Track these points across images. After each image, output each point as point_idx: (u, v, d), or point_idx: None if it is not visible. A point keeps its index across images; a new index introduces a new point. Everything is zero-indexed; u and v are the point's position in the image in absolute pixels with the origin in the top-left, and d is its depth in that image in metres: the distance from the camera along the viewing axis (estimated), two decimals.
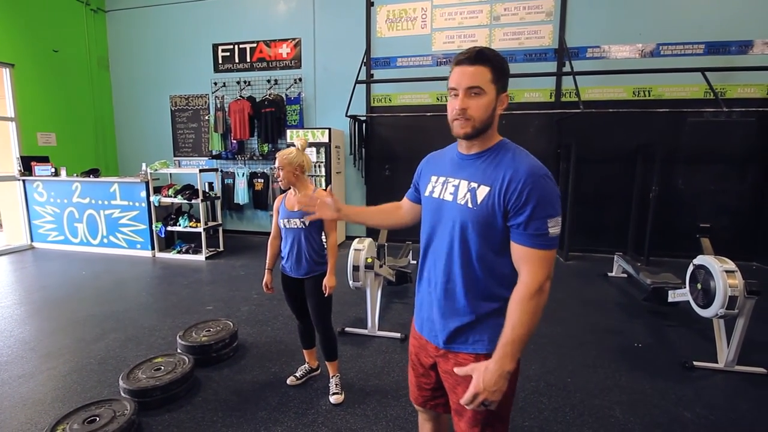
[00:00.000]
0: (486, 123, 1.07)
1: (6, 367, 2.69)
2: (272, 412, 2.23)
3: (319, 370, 2.61)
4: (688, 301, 3.01)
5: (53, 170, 5.77)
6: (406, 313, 3.60)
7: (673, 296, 3.41)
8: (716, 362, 2.71)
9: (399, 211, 1.44)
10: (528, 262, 1.03)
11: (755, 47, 5.07)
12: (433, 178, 1.21)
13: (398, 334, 3.11)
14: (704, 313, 2.74)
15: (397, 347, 2.98)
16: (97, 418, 1.99)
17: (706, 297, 2.72)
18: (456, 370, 1.08)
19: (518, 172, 1.03)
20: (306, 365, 2.57)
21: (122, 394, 2.27)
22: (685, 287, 3.20)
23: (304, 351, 2.55)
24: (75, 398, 2.34)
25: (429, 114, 5.64)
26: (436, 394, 1.31)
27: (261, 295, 4.07)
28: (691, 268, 2.98)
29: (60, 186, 5.75)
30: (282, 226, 2.24)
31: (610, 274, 4.78)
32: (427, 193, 1.21)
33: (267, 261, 2.39)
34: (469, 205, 1.07)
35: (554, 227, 1.02)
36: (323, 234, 2.27)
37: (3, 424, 2.14)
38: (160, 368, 2.42)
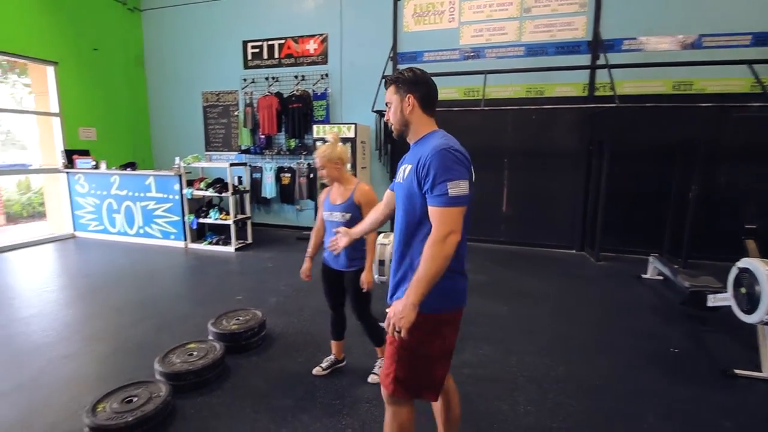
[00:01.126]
0: (401, 123, 1.44)
1: (53, 347, 2.86)
2: (299, 401, 2.27)
3: (344, 362, 2.65)
4: (730, 306, 2.88)
5: (94, 163, 6.06)
6: None
7: (713, 300, 3.24)
8: (760, 371, 2.57)
9: (384, 207, 1.73)
10: (434, 218, 1.28)
11: None
12: (400, 168, 1.49)
13: None
14: (748, 318, 2.60)
15: None
16: (135, 399, 2.09)
17: (751, 302, 2.58)
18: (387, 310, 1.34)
19: (426, 150, 1.31)
20: (332, 356, 2.61)
21: (157, 377, 2.37)
22: (727, 291, 3.06)
23: (333, 342, 2.59)
24: (114, 379, 2.46)
25: (456, 109, 5.57)
26: None
27: (288, 286, 4.15)
28: (734, 271, 2.83)
29: (100, 178, 6.03)
30: (325, 218, 2.32)
31: (644, 275, 4.60)
32: (396, 180, 1.50)
33: (309, 249, 2.46)
34: (401, 180, 1.41)
35: (453, 189, 1.25)
36: None
37: (51, 400, 2.27)
38: (193, 353, 2.52)
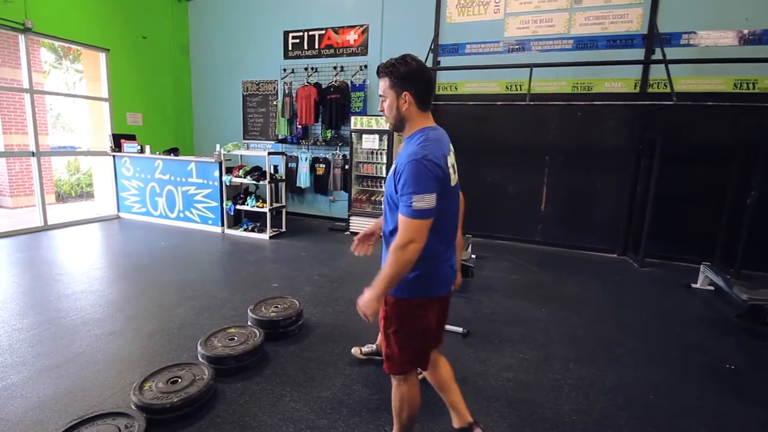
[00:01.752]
0: (396, 119, 1.44)
1: (99, 324, 2.97)
2: (337, 393, 2.26)
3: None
4: None
5: (139, 148, 6.28)
6: (467, 308, 3.51)
7: None
8: None
9: None
10: (400, 225, 1.35)
11: None
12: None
13: (460, 329, 3.03)
14: None
15: (459, 342, 2.91)
16: (179, 380, 2.13)
17: None
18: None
19: (401, 158, 1.35)
20: (375, 346, 2.60)
21: (200, 359, 2.42)
22: None
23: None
24: (158, 358, 2.53)
25: (498, 103, 5.41)
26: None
27: (322, 277, 4.17)
28: None
29: (144, 162, 6.25)
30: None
31: (694, 285, 4.34)
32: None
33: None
34: (387, 177, 1.46)
35: (417, 202, 1.29)
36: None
37: (99, 376, 2.36)
38: (234, 338, 2.55)
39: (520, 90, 5.63)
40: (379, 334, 1.64)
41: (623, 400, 2.30)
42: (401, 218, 1.33)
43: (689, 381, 2.54)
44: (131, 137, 6.46)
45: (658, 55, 4.94)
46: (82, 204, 8.45)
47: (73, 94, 10.12)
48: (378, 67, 1.43)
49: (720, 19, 4.78)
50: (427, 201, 1.30)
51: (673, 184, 5.00)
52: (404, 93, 1.38)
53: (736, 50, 4.76)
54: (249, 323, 2.88)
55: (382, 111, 1.46)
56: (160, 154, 6.20)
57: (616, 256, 5.50)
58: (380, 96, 1.46)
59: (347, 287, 3.90)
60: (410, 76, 1.38)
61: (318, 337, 2.90)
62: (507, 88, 5.69)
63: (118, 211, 6.65)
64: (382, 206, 1.60)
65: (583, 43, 5.30)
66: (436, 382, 1.83)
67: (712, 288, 4.25)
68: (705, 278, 4.27)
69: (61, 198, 8.73)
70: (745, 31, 4.72)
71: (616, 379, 2.52)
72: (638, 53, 5.11)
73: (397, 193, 1.36)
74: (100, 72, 6.36)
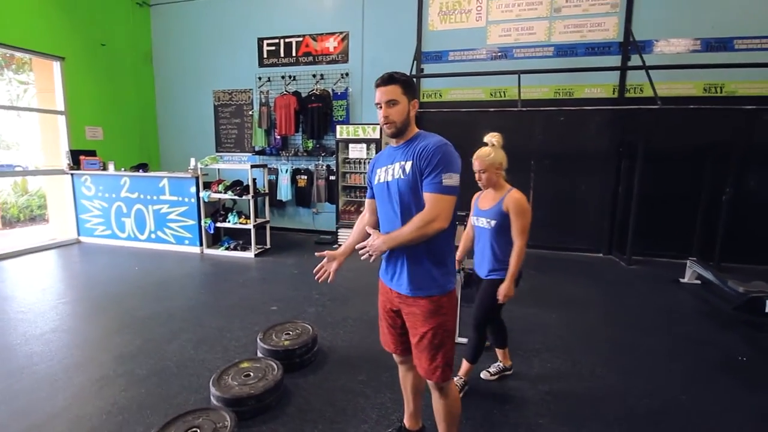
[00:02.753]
0: (404, 123, 1.51)
1: (82, 370, 2.60)
2: (375, 426, 2.07)
3: (512, 370, 2.55)
4: None
5: (101, 164, 5.75)
6: None
7: None
8: None
9: (366, 216, 1.80)
10: (428, 202, 1.43)
11: None
12: (379, 171, 1.61)
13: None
14: None
15: (483, 355, 2.79)
16: (198, 430, 1.87)
17: None
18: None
19: (426, 145, 1.45)
20: (500, 363, 2.55)
21: (214, 402, 2.15)
22: None
23: (497, 350, 2.53)
24: (162, 405, 2.23)
25: (482, 110, 5.43)
26: (403, 339, 1.69)
27: (323, 295, 3.94)
28: None
29: (108, 180, 5.72)
30: (473, 223, 2.28)
31: (681, 280, 4.51)
32: (376, 182, 1.62)
33: (457, 253, 2.36)
34: (402, 176, 1.49)
35: (447, 180, 1.41)
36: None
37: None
38: (249, 374, 2.29)
39: (504, 96, 5.69)
40: (422, 352, 1.57)
41: (660, 405, 2.27)
42: (429, 196, 1.42)
43: (711, 377, 2.57)
44: (92, 153, 5.91)
45: (633, 61, 5.17)
46: (34, 228, 7.64)
47: (22, 107, 9.20)
48: (389, 74, 1.49)
49: (688, 27, 5.06)
50: (455, 180, 1.42)
51: (653, 184, 5.20)
52: (413, 100, 1.53)
53: (703, 56, 5.05)
54: (260, 354, 2.62)
55: (387, 116, 1.48)
56: (126, 170, 5.71)
57: (602, 255, 5.65)
58: (390, 101, 1.47)
59: (352, 305, 3.70)
60: (414, 86, 1.55)
61: (336, 363, 2.69)
62: (491, 94, 5.73)
63: (79, 234, 6.05)
64: (388, 211, 1.59)
65: (563, 50, 5.45)
66: (417, 384, 1.87)
67: (699, 282, 4.43)
68: (693, 273, 4.45)
69: (8, 223, 7.86)
70: (712, 39, 5.02)
71: (645, 382, 2.50)
72: (615, 60, 5.31)
73: (421, 176, 1.44)
74: (54, 82, 5.78)
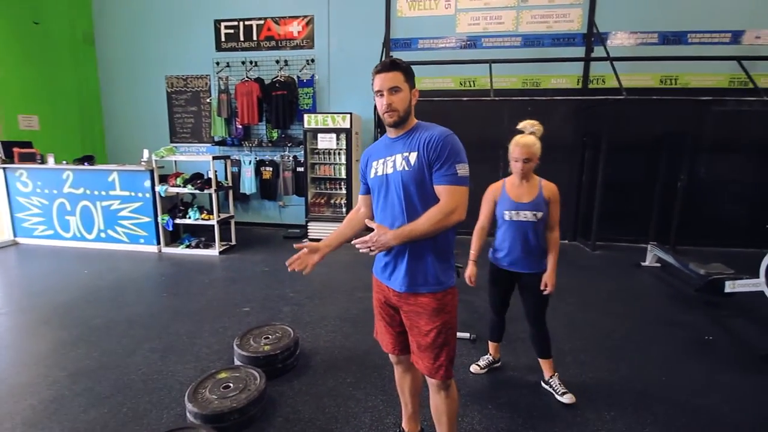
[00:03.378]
0: (407, 111, 1.43)
1: (33, 391, 2.28)
2: (369, 431, 1.97)
3: (500, 363, 2.54)
4: (745, 292, 3.18)
5: (39, 157, 5.16)
6: (460, 311, 3.39)
7: (732, 287, 3.37)
8: None
9: (362, 211, 1.69)
10: (444, 194, 1.37)
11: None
12: (374, 163, 1.53)
13: (467, 335, 2.89)
14: None
15: (470, 349, 2.76)
16: None
17: None
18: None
19: (432, 135, 1.38)
20: (489, 356, 2.52)
21: (191, 419, 1.95)
22: (748, 278, 3.20)
23: (491, 343, 2.50)
24: (131, 426, 2.00)
25: (452, 99, 5.38)
26: (401, 338, 1.60)
27: (298, 293, 3.76)
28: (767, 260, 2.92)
29: (48, 174, 5.15)
30: (506, 218, 2.12)
31: (643, 263, 4.74)
32: (372, 175, 1.52)
33: (472, 252, 2.23)
34: (406, 168, 1.41)
35: (461, 170, 1.36)
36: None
37: None
38: (229, 385, 2.10)
39: (474, 86, 5.68)
40: (424, 351, 1.49)
41: (645, 387, 2.34)
42: (445, 188, 1.36)
43: (685, 358, 2.69)
44: (27, 144, 5.28)
45: (597, 52, 5.31)
46: None
47: None
48: (391, 59, 1.41)
49: (647, 20, 5.26)
50: (466, 170, 1.38)
51: (613, 173, 5.41)
52: (414, 89, 1.45)
53: (660, 49, 5.28)
54: (238, 362, 2.43)
55: (390, 103, 1.38)
56: (68, 163, 5.16)
57: (567, 241, 5.84)
58: (393, 88, 1.38)
59: (330, 303, 3.55)
60: (414, 75, 1.46)
61: (321, 366, 2.55)
62: (461, 84, 5.70)
63: (15, 235, 5.42)
64: (388, 205, 1.49)
65: (530, 40, 5.50)
66: (417, 385, 1.79)
67: (659, 265, 4.68)
68: (653, 257, 4.68)
69: None
70: (667, 32, 5.25)
71: (627, 367, 2.57)
72: (579, 51, 5.43)
73: (431, 170, 1.38)
74: None
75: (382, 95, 1.40)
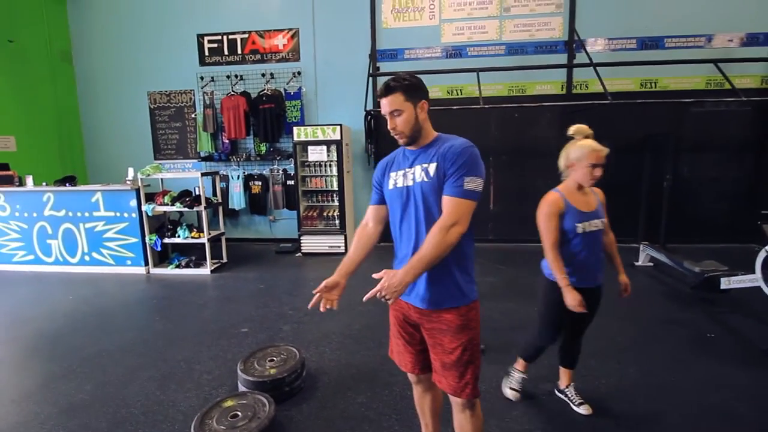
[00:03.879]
0: (414, 130, 1.40)
1: (24, 430, 2.14)
2: None
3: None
4: (741, 288, 3.23)
5: (17, 179, 4.95)
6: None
7: (727, 283, 3.43)
8: None
9: (369, 226, 1.60)
10: (446, 206, 1.32)
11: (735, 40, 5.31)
12: (393, 174, 1.48)
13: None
14: None
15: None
16: None
17: None
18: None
19: (452, 146, 1.36)
20: (520, 374, 2.32)
21: None
22: (744, 274, 3.27)
23: (564, 370, 2.26)
24: None
25: (439, 108, 5.41)
26: (422, 356, 1.55)
27: (296, 311, 3.67)
28: (762, 254, 2.99)
29: (27, 197, 4.94)
30: (579, 231, 1.91)
31: (636, 263, 4.81)
32: (391, 186, 1.47)
33: (562, 276, 1.90)
34: (426, 179, 1.37)
35: (469, 183, 1.31)
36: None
37: None
38: (237, 414, 2.01)
39: (461, 94, 5.73)
40: (449, 369, 1.43)
41: (656, 391, 2.34)
42: (449, 199, 1.32)
43: (691, 356, 2.72)
44: (3, 167, 5.07)
45: (579, 59, 5.43)
46: None
47: None
48: (387, 83, 1.37)
49: (625, 27, 5.42)
50: (477, 184, 1.32)
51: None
52: (422, 102, 1.40)
53: (639, 54, 5.43)
54: (243, 387, 2.34)
55: (394, 127, 1.38)
56: (48, 185, 4.96)
57: None
58: (394, 112, 1.37)
59: (332, 319, 3.47)
60: (419, 86, 1.40)
61: (329, 387, 2.47)
62: (448, 92, 5.75)
63: None
64: (408, 218, 1.44)
65: (514, 48, 5.59)
66: (438, 406, 1.74)
67: (651, 264, 4.76)
68: (646, 256, 4.77)
69: None
70: (645, 37, 5.41)
71: (637, 369, 2.58)
72: (562, 58, 5.55)
73: (444, 178, 1.34)
74: None
75: (388, 119, 1.41)
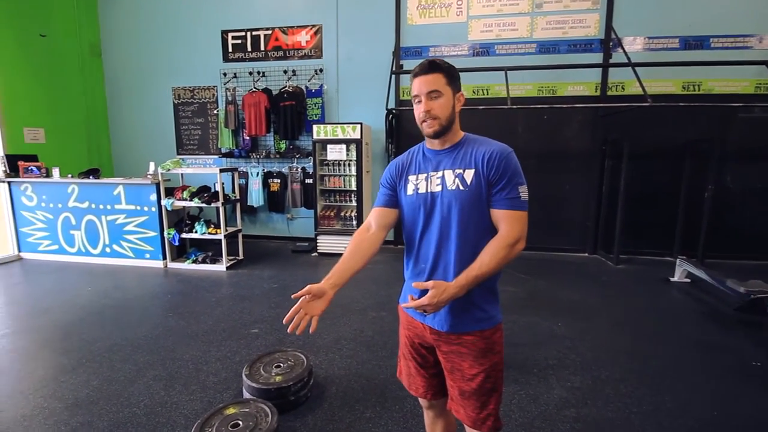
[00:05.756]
0: (449, 119, 1.24)
1: (27, 425, 2.11)
2: None
3: None
4: None
5: (44, 170, 5.07)
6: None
7: None
8: None
9: (372, 231, 1.38)
10: (505, 221, 1.20)
11: None
12: (412, 177, 1.32)
13: None
14: None
15: None
16: None
17: None
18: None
19: (494, 152, 1.21)
20: None
21: None
22: None
23: None
24: None
25: (464, 108, 5.20)
26: (435, 381, 1.41)
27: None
28: None
29: (53, 188, 5.05)
30: None
31: (671, 278, 4.49)
32: (410, 192, 1.31)
33: None
34: (461, 187, 1.22)
35: (524, 193, 1.21)
36: None
37: None
38: (238, 423, 1.92)
39: (487, 94, 5.52)
40: (468, 398, 1.29)
41: (697, 425, 2.11)
42: (507, 213, 1.20)
43: (736, 388, 2.45)
44: (32, 158, 5.20)
45: (615, 58, 5.13)
46: None
47: None
48: (430, 60, 1.22)
49: (667, 25, 5.08)
50: (527, 193, 1.22)
51: (636, 182, 5.18)
52: (459, 93, 1.27)
53: (681, 54, 5.08)
54: (247, 394, 2.24)
55: (429, 109, 1.21)
56: (74, 177, 5.05)
57: (587, 255, 5.60)
58: (432, 92, 1.20)
59: (344, 323, 3.36)
60: (458, 76, 1.27)
61: (336, 397, 2.35)
62: (474, 92, 5.54)
63: (19, 250, 5.31)
64: (432, 228, 1.28)
65: (546, 47, 5.33)
66: None
67: (689, 280, 4.43)
68: (683, 271, 4.43)
69: None
70: (689, 37, 5.06)
71: (673, 398, 2.34)
72: (597, 57, 5.26)
73: (490, 192, 1.21)
74: None
75: (420, 101, 1.23)
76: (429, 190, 1.27)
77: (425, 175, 1.29)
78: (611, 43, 5.15)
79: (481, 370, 1.25)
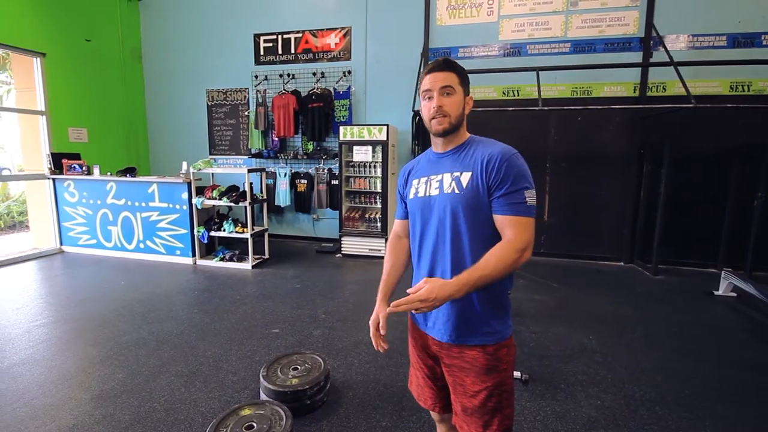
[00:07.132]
0: (459, 119, 1.21)
1: (54, 414, 2.19)
2: None
3: None
4: None
5: (86, 168, 5.33)
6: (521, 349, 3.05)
7: None
8: None
9: (403, 241, 1.43)
10: (510, 228, 1.11)
11: None
12: (415, 182, 1.30)
13: (518, 374, 2.56)
14: None
15: (521, 391, 2.43)
16: None
17: None
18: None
19: (493, 154, 1.15)
20: None
21: None
22: None
23: None
24: None
25: (493, 109, 5.08)
26: (444, 393, 1.33)
27: (329, 314, 3.56)
28: None
29: (93, 185, 5.30)
30: None
31: (715, 292, 4.19)
32: (412, 196, 1.30)
33: None
34: (456, 191, 1.17)
35: (530, 198, 1.13)
36: None
37: None
38: (252, 425, 1.91)
39: (518, 95, 5.36)
40: (471, 415, 1.22)
41: None
42: (513, 219, 1.12)
43: None
44: (75, 156, 5.48)
45: (656, 57, 4.86)
46: (16, 236, 7.18)
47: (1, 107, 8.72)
48: (443, 59, 1.22)
49: (714, 22, 4.76)
50: (534, 197, 1.15)
51: (676, 188, 4.88)
52: (468, 96, 1.24)
53: (729, 53, 4.75)
54: (264, 396, 2.24)
55: (441, 105, 1.17)
56: (112, 175, 5.28)
57: (623, 264, 5.32)
58: (446, 88, 1.17)
59: (364, 326, 3.31)
60: (469, 81, 1.25)
61: (352, 403, 2.31)
62: (504, 93, 5.39)
63: (61, 243, 5.62)
64: (428, 234, 1.25)
65: (581, 46, 5.12)
66: None
67: (734, 294, 4.11)
68: (728, 285, 4.12)
69: None
70: (737, 34, 4.72)
71: (714, 423, 2.15)
72: (636, 56, 5.00)
73: (490, 196, 1.15)
74: (34, 80, 5.35)
75: (431, 97, 1.19)
76: (427, 194, 1.24)
77: (426, 178, 1.27)
78: (651, 42, 4.88)
79: (483, 387, 1.18)
